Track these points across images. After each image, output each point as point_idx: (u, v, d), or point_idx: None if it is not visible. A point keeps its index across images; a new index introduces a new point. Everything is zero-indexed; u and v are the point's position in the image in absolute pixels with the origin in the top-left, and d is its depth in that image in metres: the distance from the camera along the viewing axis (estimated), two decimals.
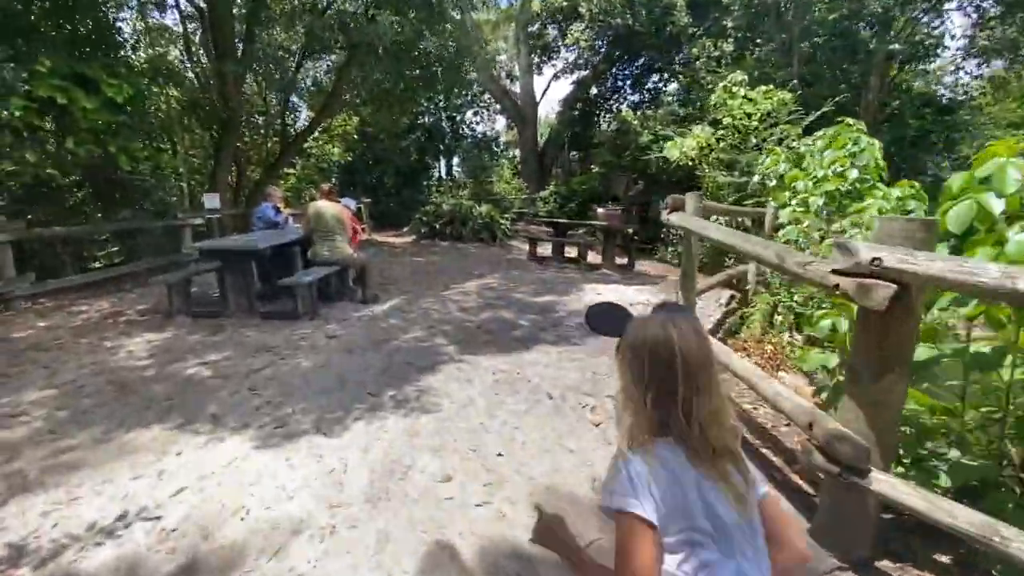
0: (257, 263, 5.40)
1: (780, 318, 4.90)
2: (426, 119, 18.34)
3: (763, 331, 5.05)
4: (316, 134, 13.39)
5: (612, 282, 7.81)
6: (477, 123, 20.87)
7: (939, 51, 11.64)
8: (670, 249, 11.23)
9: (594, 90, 15.65)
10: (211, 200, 8.18)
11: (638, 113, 11.51)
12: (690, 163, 7.65)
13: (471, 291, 6.88)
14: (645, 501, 0.86)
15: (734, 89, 6.71)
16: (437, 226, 12.16)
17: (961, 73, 13.57)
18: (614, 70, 14.41)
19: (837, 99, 7.68)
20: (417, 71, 9.82)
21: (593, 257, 9.65)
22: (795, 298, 4.68)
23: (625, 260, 9.66)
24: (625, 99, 15.44)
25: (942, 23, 11.66)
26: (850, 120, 4.25)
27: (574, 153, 25.67)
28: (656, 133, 11.11)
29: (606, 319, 1.13)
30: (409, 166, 17.77)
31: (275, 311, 5.36)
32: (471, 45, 10.78)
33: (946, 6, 11.10)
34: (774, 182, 5.12)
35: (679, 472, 0.88)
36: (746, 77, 6.78)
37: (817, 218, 3.89)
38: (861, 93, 10.99)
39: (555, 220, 9.98)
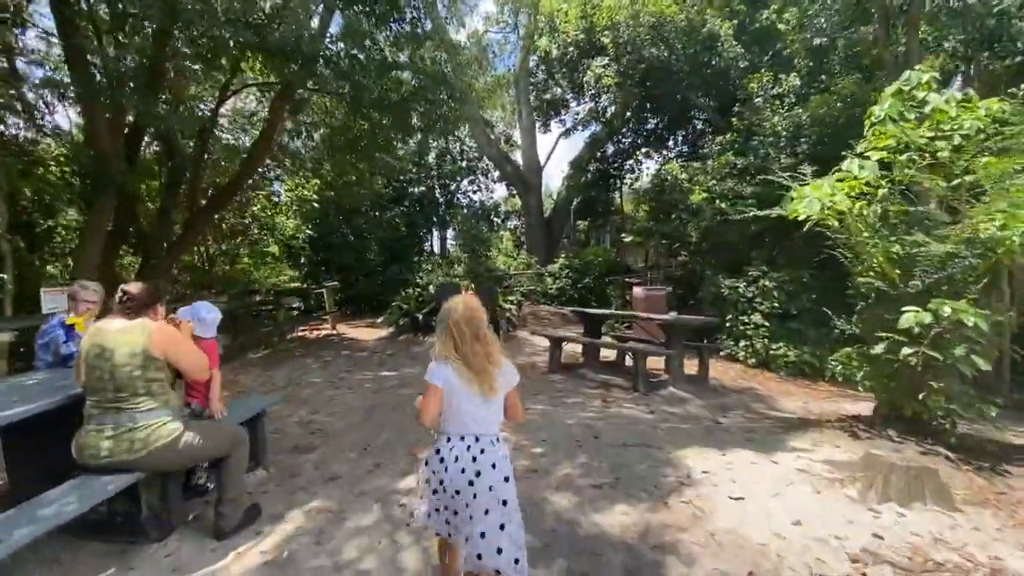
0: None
1: None
2: (415, 188, 15.94)
3: None
4: (270, 202, 10.65)
5: (733, 446, 4.44)
6: (474, 191, 18.58)
7: None
8: (742, 344, 8.11)
9: (610, 148, 13.31)
10: (51, 300, 5.14)
11: (686, 166, 8.85)
12: (819, 219, 4.68)
13: None
14: (437, 379, 1.83)
15: (924, 96, 3.88)
16: (420, 316, 9.10)
17: None
18: (632, 124, 12.06)
19: None
20: (386, 104, 7.20)
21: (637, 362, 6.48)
22: None
23: (696, 367, 6.49)
24: (650, 156, 13.07)
25: None
26: None
27: (580, 222, 23.38)
28: (710, 189, 8.36)
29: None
30: (395, 240, 15.09)
31: None
32: (455, 70, 8.30)
33: None
34: None
35: (451, 374, 1.83)
36: (937, 75, 4.01)
37: None
38: None
39: (585, 311, 6.92)
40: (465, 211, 18.46)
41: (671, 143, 12.39)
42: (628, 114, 11.30)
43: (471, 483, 1.77)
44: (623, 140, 12.82)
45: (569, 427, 4.38)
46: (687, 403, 5.40)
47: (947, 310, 3.40)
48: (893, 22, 8.34)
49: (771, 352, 7.90)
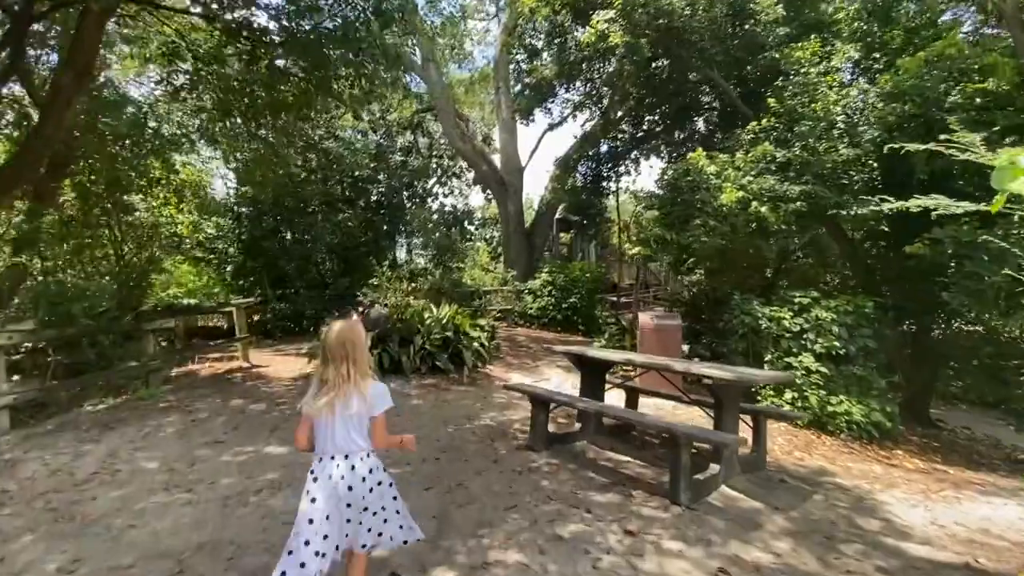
0: None
1: None
2: (374, 187, 13.57)
3: None
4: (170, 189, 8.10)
5: None
6: (445, 194, 16.32)
7: None
8: (787, 395, 6.00)
9: (604, 146, 11.25)
10: None
11: (712, 156, 6.74)
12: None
13: None
14: (305, 403, 1.94)
15: None
16: None
17: None
18: (635, 113, 9.89)
19: None
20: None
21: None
22: None
23: (749, 441, 4.29)
24: (655, 152, 11.01)
25: None
26: None
27: (563, 233, 21.24)
28: (745, 187, 6.31)
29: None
30: (348, 248, 12.66)
31: None
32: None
33: None
34: None
35: (313, 398, 1.92)
36: None
37: None
38: None
39: (585, 354, 4.62)
40: (435, 216, 16.18)
41: (675, 136, 10.33)
42: (631, 97, 9.22)
43: (348, 500, 1.91)
44: (621, 135, 10.77)
45: None
46: (761, 525, 3.19)
47: None
48: None
49: (828, 407, 5.81)
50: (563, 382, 7.41)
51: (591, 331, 12.29)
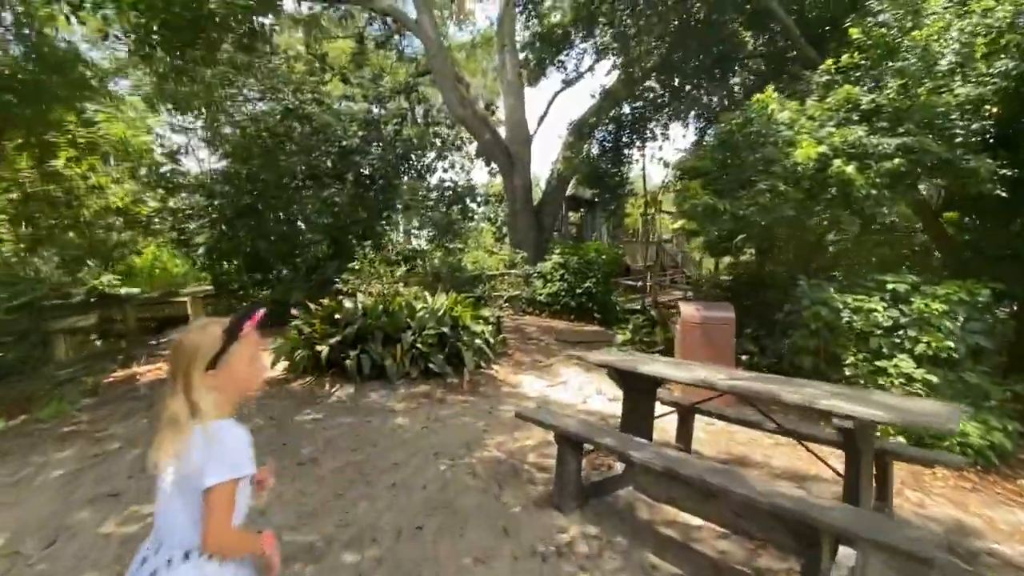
0: None
1: None
2: (364, 159, 12.10)
3: None
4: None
5: None
6: (445, 168, 14.82)
7: None
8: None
9: (626, 108, 9.66)
10: None
11: (786, 102, 5.24)
12: None
13: None
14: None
15: None
16: (327, 347, 5.37)
17: None
18: (667, 64, 8.22)
19: None
20: None
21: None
22: None
23: (884, 501, 2.95)
24: (683, 114, 9.42)
25: None
26: None
27: (571, 213, 19.68)
28: (825, 139, 4.87)
29: None
30: (337, 227, 11.28)
31: None
32: None
33: None
34: None
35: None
36: None
37: None
38: None
39: (633, 370, 3.22)
40: (434, 193, 14.72)
41: (709, 97, 8.72)
42: (662, 44, 7.64)
43: None
44: (647, 93, 9.17)
45: None
46: None
47: None
48: None
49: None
50: (584, 384, 6.11)
51: (608, 320, 10.95)
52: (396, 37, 14.50)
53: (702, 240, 7.48)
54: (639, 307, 12.94)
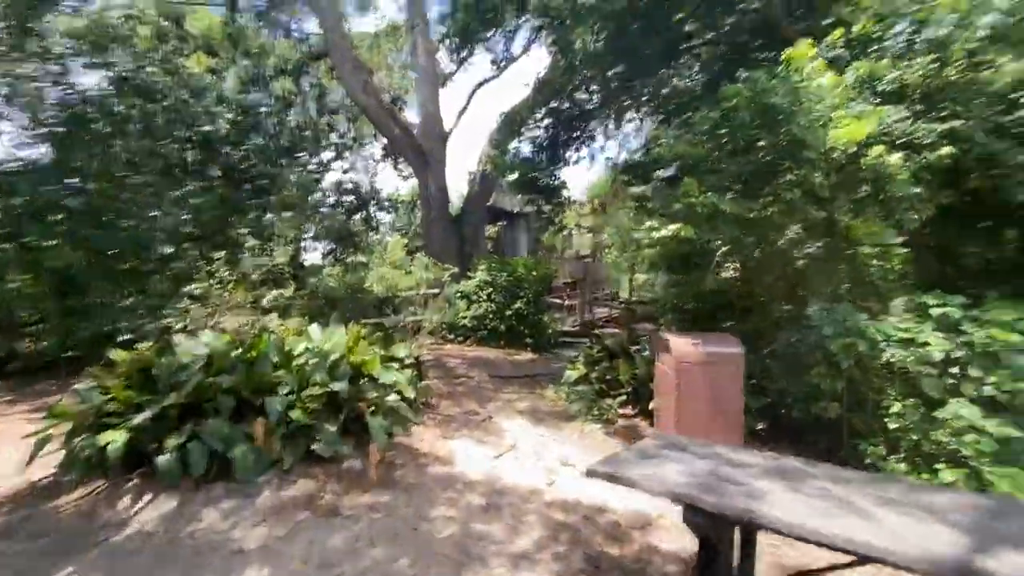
0: None
1: None
2: (234, 150, 9.49)
3: None
4: None
5: None
6: (345, 169, 12.51)
7: None
8: (946, 477, 3.48)
9: (564, 104, 8.25)
10: None
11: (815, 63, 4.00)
12: None
13: None
14: None
15: None
16: (131, 429, 3.13)
17: None
18: (615, 47, 6.83)
19: None
20: None
21: None
22: None
23: None
24: (632, 108, 8.18)
25: None
26: None
27: (489, 226, 17.98)
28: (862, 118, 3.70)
29: None
30: (193, 237, 8.54)
31: None
32: None
33: None
34: None
35: None
36: None
37: None
38: None
39: (731, 515, 1.58)
40: (331, 197, 12.32)
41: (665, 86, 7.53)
42: (611, 24, 6.32)
43: None
44: (590, 84, 7.80)
45: None
46: None
47: None
48: None
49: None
50: (540, 448, 4.43)
51: (540, 345, 9.46)
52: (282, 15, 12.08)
53: (649, 254, 6.18)
54: (574, 328, 11.67)
